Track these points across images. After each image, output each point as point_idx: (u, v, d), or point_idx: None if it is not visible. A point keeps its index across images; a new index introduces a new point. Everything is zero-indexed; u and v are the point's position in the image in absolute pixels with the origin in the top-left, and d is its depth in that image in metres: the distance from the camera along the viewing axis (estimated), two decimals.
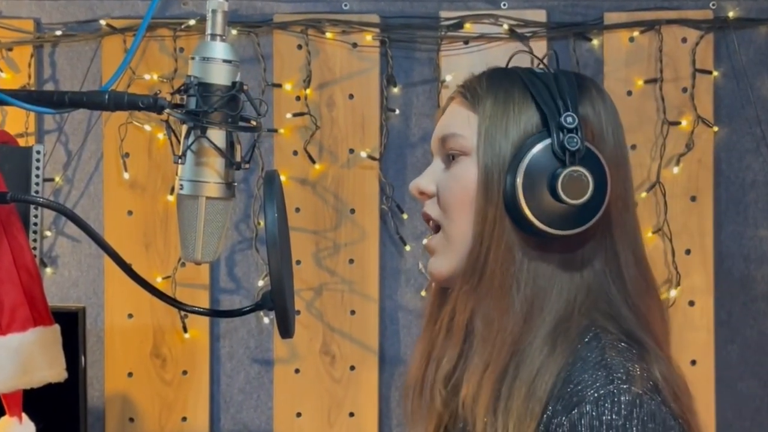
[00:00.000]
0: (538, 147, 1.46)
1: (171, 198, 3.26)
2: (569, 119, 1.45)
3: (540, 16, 3.22)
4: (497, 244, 1.48)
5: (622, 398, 1.36)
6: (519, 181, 1.46)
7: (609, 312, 1.48)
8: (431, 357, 1.62)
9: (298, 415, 3.28)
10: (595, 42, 3.21)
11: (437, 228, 1.56)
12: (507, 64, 1.60)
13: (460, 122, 1.55)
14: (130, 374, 3.32)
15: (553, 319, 1.47)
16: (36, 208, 2.35)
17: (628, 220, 1.54)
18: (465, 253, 1.52)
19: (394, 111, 3.26)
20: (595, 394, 1.37)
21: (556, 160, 1.46)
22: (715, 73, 3.19)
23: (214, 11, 1.42)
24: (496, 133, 1.49)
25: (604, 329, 1.46)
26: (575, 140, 1.45)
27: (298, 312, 3.24)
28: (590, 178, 1.45)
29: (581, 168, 1.45)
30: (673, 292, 3.16)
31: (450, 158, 1.55)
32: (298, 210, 3.25)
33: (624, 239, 1.52)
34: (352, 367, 3.27)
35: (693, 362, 3.15)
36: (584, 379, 1.39)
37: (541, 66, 1.55)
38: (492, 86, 1.53)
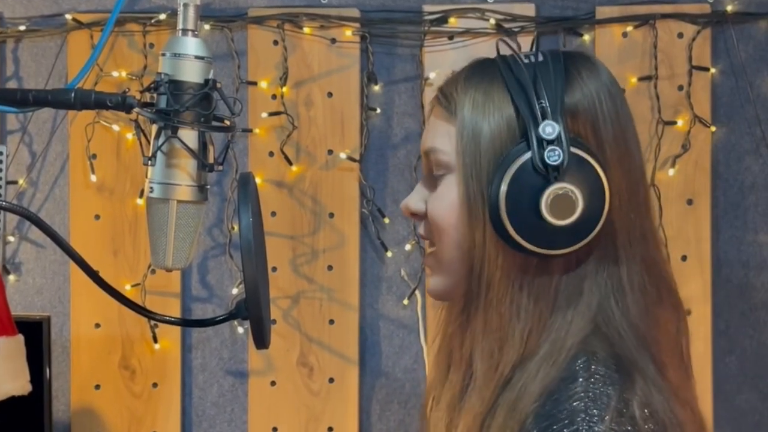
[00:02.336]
0: (520, 161, 1.38)
1: (140, 201, 3.26)
2: (548, 129, 1.37)
3: (528, 10, 3.22)
4: (491, 271, 1.42)
5: None
6: (502, 200, 1.38)
7: (604, 331, 1.42)
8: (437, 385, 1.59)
9: (274, 429, 3.28)
10: (587, 37, 3.22)
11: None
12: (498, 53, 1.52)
13: (438, 135, 1.48)
14: (97, 386, 3.31)
15: (549, 342, 1.41)
16: None
17: (637, 221, 1.45)
18: (456, 275, 1.47)
19: (375, 110, 3.26)
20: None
21: (538, 176, 1.38)
22: (713, 70, 3.19)
23: (185, 5, 1.42)
24: (475, 147, 1.42)
25: (593, 355, 1.39)
26: (557, 153, 1.36)
27: (274, 321, 3.25)
28: (579, 195, 1.37)
29: (567, 184, 1.36)
30: None
31: (435, 175, 1.49)
32: (274, 214, 3.25)
33: (630, 245, 1.44)
34: (331, 380, 3.28)
35: None
36: (560, 412, 1.33)
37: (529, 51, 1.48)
38: (470, 88, 1.45)
